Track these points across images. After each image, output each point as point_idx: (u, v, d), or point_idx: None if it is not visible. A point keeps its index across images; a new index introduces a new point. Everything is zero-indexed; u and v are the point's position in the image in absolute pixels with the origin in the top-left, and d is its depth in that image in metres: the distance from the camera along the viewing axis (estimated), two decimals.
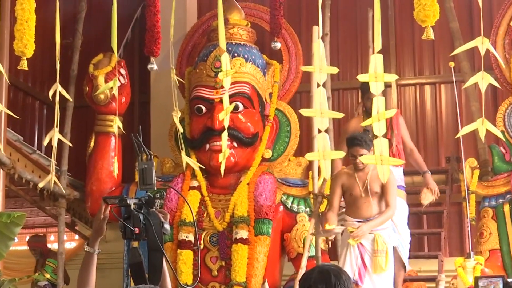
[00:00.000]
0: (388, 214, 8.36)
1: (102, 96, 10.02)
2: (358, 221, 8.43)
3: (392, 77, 7.70)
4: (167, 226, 4.00)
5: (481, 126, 7.52)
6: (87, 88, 10.18)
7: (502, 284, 7.86)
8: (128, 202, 3.93)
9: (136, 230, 3.89)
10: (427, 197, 9.38)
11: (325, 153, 7.55)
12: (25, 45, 7.71)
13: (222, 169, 9.11)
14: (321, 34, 7.81)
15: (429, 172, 9.52)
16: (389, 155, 8.84)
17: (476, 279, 7.96)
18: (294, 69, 10.49)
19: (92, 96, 10.12)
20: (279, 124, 10.28)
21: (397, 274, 8.80)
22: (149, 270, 3.98)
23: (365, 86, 8.45)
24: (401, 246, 8.96)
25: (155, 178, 4.17)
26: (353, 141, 8.43)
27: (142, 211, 3.94)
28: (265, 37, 10.41)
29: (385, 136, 8.58)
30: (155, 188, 4.14)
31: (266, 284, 8.64)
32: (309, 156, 8.43)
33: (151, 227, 3.92)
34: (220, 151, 9.28)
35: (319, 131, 7.66)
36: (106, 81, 9.94)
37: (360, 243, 8.34)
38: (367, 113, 8.75)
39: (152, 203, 4.00)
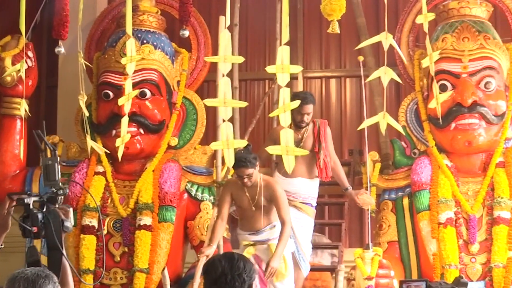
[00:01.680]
0: (287, 233, 8.28)
1: (8, 79, 9.85)
2: (249, 234, 8.49)
3: (297, 69, 7.78)
4: (67, 224, 3.94)
5: (383, 120, 7.66)
6: None
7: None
8: (26, 201, 3.87)
9: (34, 229, 3.85)
10: (368, 199, 9.16)
11: (229, 142, 7.57)
12: None
13: (120, 153, 9.12)
14: (228, 24, 7.82)
15: (350, 187, 9.34)
16: (317, 169, 8.94)
17: (401, 283, 8.01)
18: (203, 58, 10.48)
19: None
20: (186, 112, 10.26)
21: (296, 278, 8.84)
22: (48, 267, 3.92)
23: (296, 98, 8.47)
24: (297, 252, 8.97)
25: (59, 173, 4.11)
26: (238, 164, 8.28)
27: (43, 209, 3.88)
28: (175, 25, 10.37)
29: (312, 149, 8.70)
30: (60, 184, 4.08)
31: (166, 272, 8.62)
32: (213, 145, 8.46)
33: (50, 225, 3.87)
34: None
35: (223, 121, 7.69)
36: (13, 64, 9.77)
37: (256, 254, 8.41)
38: (295, 124, 8.78)
39: (55, 200, 3.95)
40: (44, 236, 3.89)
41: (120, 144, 8.74)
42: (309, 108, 8.78)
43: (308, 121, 8.87)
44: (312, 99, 8.82)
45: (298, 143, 8.64)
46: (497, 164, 9.46)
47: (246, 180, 8.34)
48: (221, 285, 3.89)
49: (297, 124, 8.81)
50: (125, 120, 8.94)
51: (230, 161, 8.11)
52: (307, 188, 9.04)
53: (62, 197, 4.03)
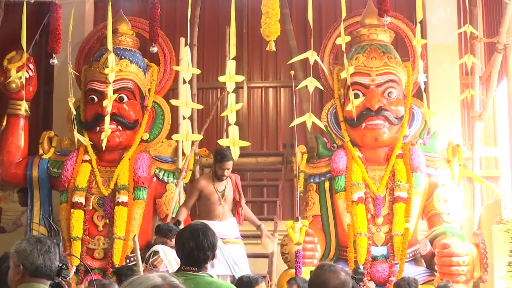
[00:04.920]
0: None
1: (13, 85, 9.78)
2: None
3: (240, 78, 7.72)
4: None
5: (309, 119, 7.66)
6: (1, 78, 9.89)
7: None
8: None
9: None
10: (269, 245, 8.80)
11: (187, 135, 7.55)
12: None
13: (103, 144, 9.06)
14: (188, 43, 7.78)
15: (262, 224, 8.85)
16: (237, 215, 8.60)
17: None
18: (168, 71, 10.46)
19: (5, 85, 9.86)
20: (155, 113, 10.23)
21: None
22: None
23: (218, 155, 8.34)
24: None
25: (62, 249, 4.01)
26: (226, 156, 8.14)
27: (51, 283, 3.73)
28: (147, 45, 10.27)
29: (234, 199, 8.49)
30: (62, 258, 3.96)
31: (136, 238, 8.54)
32: (175, 136, 8.44)
33: None
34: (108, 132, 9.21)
35: (184, 118, 7.64)
36: (17, 73, 9.71)
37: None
38: (216, 176, 8.43)
39: (59, 272, 3.79)
40: None
41: (104, 137, 8.68)
42: (229, 164, 8.32)
43: (228, 175, 8.42)
44: (231, 157, 8.12)
45: (222, 193, 8.41)
46: (397, 156, 9.52)
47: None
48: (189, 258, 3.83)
49: (218, 177, 8.40)
50: (107, 119, 8.88)
51: (187, 150, 8.10)
52: (235, 226, 8.64)
53: (65, 271, 3.91)
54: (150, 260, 6.58)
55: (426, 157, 9.59)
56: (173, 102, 8.25)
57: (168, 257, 6.37)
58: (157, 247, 7.04)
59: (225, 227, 8.46)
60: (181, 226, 7.91)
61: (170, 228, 7.33)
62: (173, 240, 6.64)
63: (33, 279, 3.51)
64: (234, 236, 8.51)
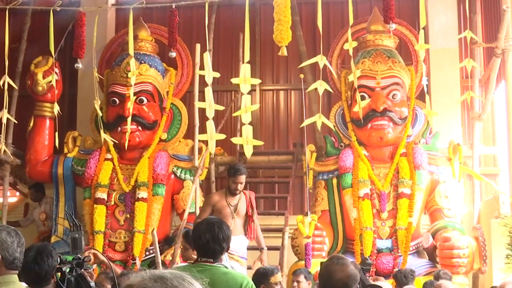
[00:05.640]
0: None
1: (40, 88, 9.88)
2: None
3: (256, 81, 7.76)
4: (93, 284, 3.87)
5: (318, 119, 7.66)
6: (29, 82, 10.00)
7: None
8: (63, 269, 3.76)
9: None
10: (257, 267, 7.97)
11: (212, 135, 7.58)
12: None
13: (126, 144, 9.10)
14: (206, 50, 7.82)
15: (265, 248, 8.33)
16: (249, 229, 8.21)
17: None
18: (186, 75, 10.49)
19: (32, 88, 9.94)
20: (173, 114, 10.27)
21: None
22: None
23: (232, 170, 8.09)
24: None
25: (84, 243, 4.06)
26: (240, 170, 7.94)
27: (73, 272, 3.77)
28: (165, 50, 10.30)
29: (246, 214, 8.19)
30: (84, 251, 3.99)
31: (155, 232, 8.55)
32: (200, 136, 8.41)
33: (81, 284, 3.78)
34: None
35: (207, 119, 7.66)
36: (43, 77, 9.81)
37: None
38: (230, 192, 8.11)
39: (82, 265, 3.85)
40: None
41: (127, 137, 8.76)
42: (242, 178, 8.00)
43: (241, 189, 8.09)
44: (244, 171, 8.03)
45: (235, 207, 8.12)
46: (401, 154, 9.53)
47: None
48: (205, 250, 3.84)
49: (231, 191, 8.07)
50: (129, 119, 8.96)
51: (212, 148, 8.06)
52: (244, 244, 8.30)
53: (86, 263, 3.97)
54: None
55: (429, 156, 9.59)
56: (198, 104, 8.28)
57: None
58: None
59: (234, 242, 8.23)
60: (177, 245, 7.85)
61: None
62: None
63: (9, 272, 3.35)
64: (240, 254, 8.25)
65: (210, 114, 7.76)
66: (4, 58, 8.21)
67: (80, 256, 3.94)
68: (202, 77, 8.11)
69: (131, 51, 8.63)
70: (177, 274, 1.71)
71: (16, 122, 9.66)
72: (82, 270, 3.90)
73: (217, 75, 7.98)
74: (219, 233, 3.85)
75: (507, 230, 8.03)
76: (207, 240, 3.82)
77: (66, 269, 3.81)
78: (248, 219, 8.28)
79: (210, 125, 7.78)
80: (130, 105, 9.12)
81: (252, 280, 5.13)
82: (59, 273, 3.79)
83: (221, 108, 8.37)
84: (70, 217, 4.06)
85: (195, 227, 3.98)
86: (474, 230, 9.06)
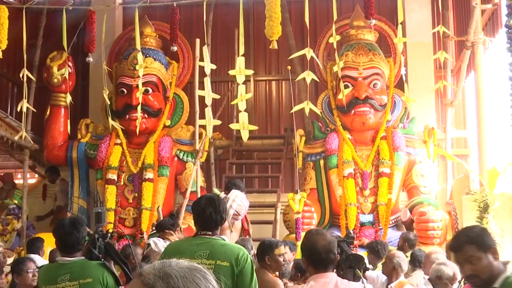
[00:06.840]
0: None
1: (55, 80, 9.90)
2: None
3: (250, 72, 7.77)
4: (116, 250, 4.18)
5: (307, 106, 7.69)
6: (45, 74, 10.02)
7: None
8: (96, 242, 4.04)
9: (100, 256, 4.04)
10: None
11: (209, 120, 7.63)
12: (0, 41, 7.51)
13: (137, 130, 9.14)
14: (206, 43, 7.84)
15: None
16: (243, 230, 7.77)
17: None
18: (187, 67, 10.52)
19: (48, 80, 9.95)
20: (176, 103, 10.30)
21: None
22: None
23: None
24: None
25: (105, 218, 4.26)
26: (237, 185, 7.29)
27: (96, 242, 4.04)
28: (168, 45, 10.30)
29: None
30: (105, 225, 4.18)
31: (160, 209, 8.57)
32: (200, 122, 8.42)
33: (110, 252, 4.07)
34: (136, 119, 9.31)
35: (206, 106, 7.69)
36: (58, 70, 9.80)
37: None
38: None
39: (105, 236, 4.09)
40: (106, 259, 4.05)
41: (138, 124, 8.80)
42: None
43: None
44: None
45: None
46: (381, 138, 9.60)
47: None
48: (204, 218, 3.90)
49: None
50: (139, 108, 9.03)
51: (209, 132, 8.10)
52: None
53: (110, 235, 4.24)
54: (145, 252, 6.42)
55: (406, 138, 9.66)
56: (199, 92, 8.31)
57: (159, 247, 6.15)
58: (148, 241, 6.75)
59: None
60: (180, 221, 7.88)
61: (172, 222, 6.93)
62: (177, 231, 6.58)
63: None
64: None
65: (208, 101, 7.80)
66: (23, 53, 8.23)
67: (104, 230, 4.10)
68: (201, 69, 8.13)
69: (138, 46, 8.64)
70: (186, 274, 1.54)
71: (34, 110, 9.69)
72: (107, 241, 4.04)
73: (214, 67, 8.00)
74: (219, 205, 3.92)
75: (476, 205, 8.11)
76: (210, 212, 3.87)
77: (96, 241, 3.98)
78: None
79: (208, 112, 7.81)
80: (139, 94, 9.16)
81: (257, 251, 5.20)
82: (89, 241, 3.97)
83: (217, 96, 8.41)
84: (95, 195, 4.27)
85: (196, 203, 4.02)
86: (447, 205, 9.14)
